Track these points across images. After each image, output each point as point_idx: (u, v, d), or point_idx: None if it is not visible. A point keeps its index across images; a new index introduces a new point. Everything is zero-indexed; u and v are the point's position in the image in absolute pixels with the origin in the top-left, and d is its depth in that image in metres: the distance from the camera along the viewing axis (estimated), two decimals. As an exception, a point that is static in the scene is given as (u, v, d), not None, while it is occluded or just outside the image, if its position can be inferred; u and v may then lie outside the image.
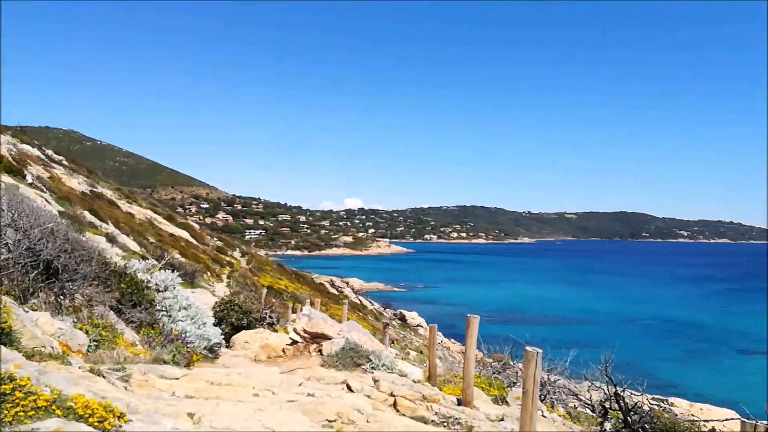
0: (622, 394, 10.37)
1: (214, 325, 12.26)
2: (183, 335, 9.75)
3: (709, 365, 52.28)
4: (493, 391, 10.64)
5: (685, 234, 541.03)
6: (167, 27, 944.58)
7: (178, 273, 12.04)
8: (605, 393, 11.02)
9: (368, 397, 7.52)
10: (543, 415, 9.83)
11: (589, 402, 12.10)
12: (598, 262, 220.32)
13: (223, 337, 12.03)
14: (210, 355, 10.63)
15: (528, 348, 6.46)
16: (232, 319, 14.85)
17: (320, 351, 11.00)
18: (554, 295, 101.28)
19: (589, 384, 12.05)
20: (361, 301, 46.45)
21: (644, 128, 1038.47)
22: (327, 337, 11.41)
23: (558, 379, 12.31)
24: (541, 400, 10.86)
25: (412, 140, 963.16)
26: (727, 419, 10.92)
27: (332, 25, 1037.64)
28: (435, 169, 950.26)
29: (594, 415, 11.54)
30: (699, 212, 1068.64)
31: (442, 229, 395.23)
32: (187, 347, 9.17)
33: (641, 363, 50.28)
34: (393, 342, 22.98)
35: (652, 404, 10.47)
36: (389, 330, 13.17)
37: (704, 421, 11.84)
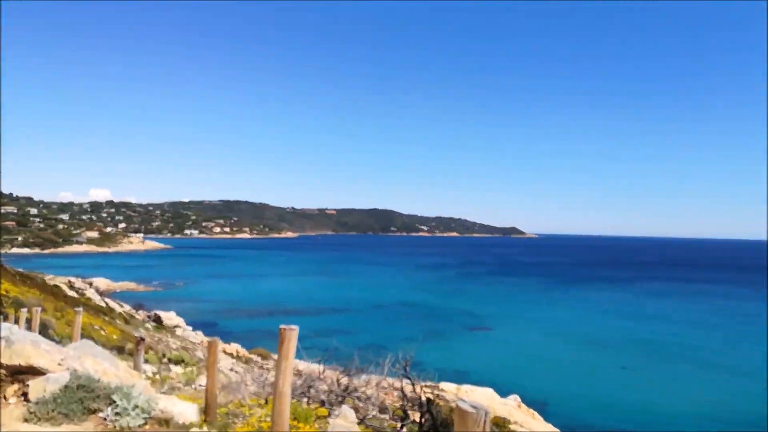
0: (420, 394, 10.00)
1: None
2: None
3: (447, 343, 59.21)
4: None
5: (425, 228, 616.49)
6: None
7: None
8: (401, 393, 10.41)
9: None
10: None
11: (383, 406, 11.00)
12: (352, 254, 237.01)
13: None
14: None
15: (283, 326, 5.67)
16: None
17: (25, 395, 6.83)
18: (313, 287, 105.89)
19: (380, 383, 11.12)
20: (107, 304, 42.08)
21: (391, 134, 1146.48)
22: (38, 372, 7.10)
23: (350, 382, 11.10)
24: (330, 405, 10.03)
25: (170, 129, 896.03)
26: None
27: None
28: (197, 162, 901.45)
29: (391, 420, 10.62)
30: (436, 210, 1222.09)
31: (204, 224, 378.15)
32: None
33: (389, 346, 56.11)
34: (148, 351, 20.42)
35: (426, 392, 10.51)
36: (143, 345, 10.25)
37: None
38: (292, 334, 5.64)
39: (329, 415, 9.12)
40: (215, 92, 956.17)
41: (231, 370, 29.61)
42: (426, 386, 10.28)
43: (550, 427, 23.97)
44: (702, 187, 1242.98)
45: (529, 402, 31.01)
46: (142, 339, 10.49)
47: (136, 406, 6.36)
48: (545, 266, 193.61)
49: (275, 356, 37.21)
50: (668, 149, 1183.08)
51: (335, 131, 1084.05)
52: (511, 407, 26.84)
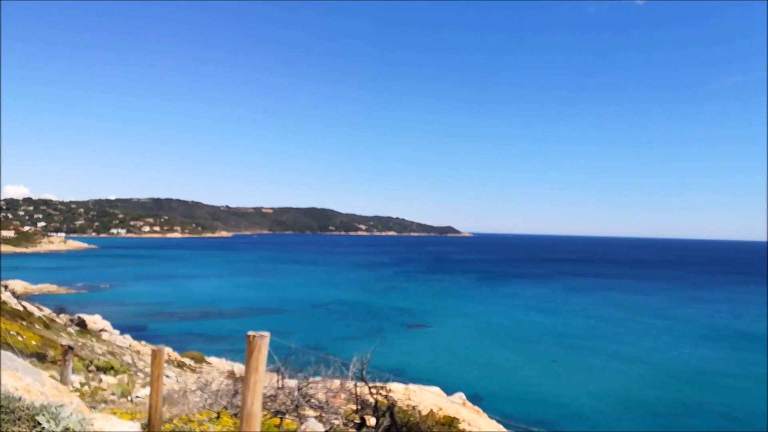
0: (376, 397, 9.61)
1: None
2: None
3: (386, 341, 59.41)
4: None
5: (363, 227, 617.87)
6: None
7: None
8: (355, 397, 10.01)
9: None
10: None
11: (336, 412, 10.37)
12: (289, 254, 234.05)
13: None
14: None
15: (252, 333, 4.62)
16: None
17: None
18: (249, 287, 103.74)
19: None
20: (25, 308, 39.30)
21: (329, 132, 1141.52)
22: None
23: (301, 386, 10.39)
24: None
25: (95, 124, 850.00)
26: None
27: None
28: (124, 158, 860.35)
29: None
30: (374, 209, 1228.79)
31: (132, 223, 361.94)
32: None
33: (328, 346, 55.86)
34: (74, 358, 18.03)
35: (373, 393, 10.17)
36: (71, 355, 9.28)
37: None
38: (263, 342, 4.54)
39: (297, 429, 8.71)
40: (143, 86, 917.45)
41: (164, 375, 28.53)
42: (374, 387, 10.08)
43: (494, 423, 24.50)
44: (628, 184, 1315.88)
45: (471, 399, 31.75)
46: (70, 348, 9.45)
47: (67, 429, 5.11)
48: (476, 263, 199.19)
49: (210, 359, 36.09)
50: (606, 148, 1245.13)
51: (271, 128, 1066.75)
52: (457, 405, 27.24)
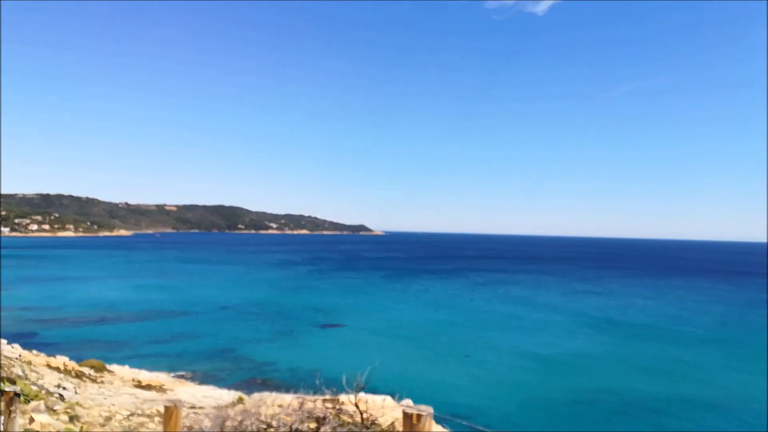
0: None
1: None
2: None
3: (300, 342, 58.28)
4: None
5: (275, 226, 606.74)
6: None
7: None
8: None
9: None
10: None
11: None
12: (195, 253, 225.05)
13: None
14: None
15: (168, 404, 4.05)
16: None
17: None
18: (152, 289, 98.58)
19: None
20: None
21: (236, 128, 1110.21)
22: None
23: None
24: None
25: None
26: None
27: None
28: (8, 149, 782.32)
29: None
30: (285, 207, 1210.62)
31: (17, 221, 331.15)
32: None
33: (238, 348, 54.37)
34: None
35: (328, 408, 9.61)
36: (17, 404, 7.39)
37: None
38: (178, 413, 3.59)
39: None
40: (33, 67, 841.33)
41: (59, 386, 26.45)
42: (326, 400, 9.77)
43: (440, 428, 24.76)
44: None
45: (395, 398, 32.16)
46: (17, 395, 7.04)
47: None
48: (387, 261, 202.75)
49: (112, 367, 34.17)
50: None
51: (176, 122, 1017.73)
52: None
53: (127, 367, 36.85)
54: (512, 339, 61.20)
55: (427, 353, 53.66)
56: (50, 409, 9.39)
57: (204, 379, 41.68)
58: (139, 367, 40.40)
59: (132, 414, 9.21)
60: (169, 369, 43.61)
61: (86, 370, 31.89)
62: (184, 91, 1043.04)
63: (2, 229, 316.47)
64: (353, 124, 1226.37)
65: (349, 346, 55.98)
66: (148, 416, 10.17)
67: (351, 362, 48.49)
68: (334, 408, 9.83)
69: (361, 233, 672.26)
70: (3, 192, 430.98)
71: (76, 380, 28.62)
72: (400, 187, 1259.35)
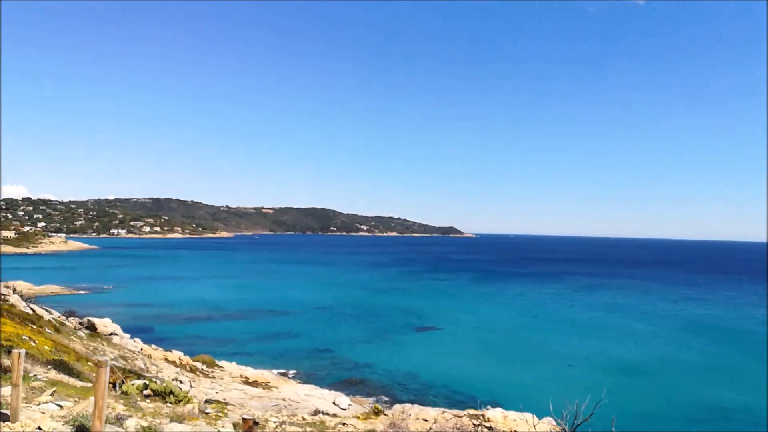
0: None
1: None
2: None
3: (397, 345, 58.06)
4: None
5: (365, 228, 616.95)
6: None
7: None
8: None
9: None
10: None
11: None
12: (291, 254, 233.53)
13: None
14: None
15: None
16: None
17: None
18: (252, 288, 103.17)
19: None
20: (34, 311, 38.78)
21: (330, 132, 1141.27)
22: None
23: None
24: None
25: (92, 123, 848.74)
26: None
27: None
28: (123, 157, 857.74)
29: None
30: (375, 209, 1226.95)
31: (132, 223, 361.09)
32: None
33: (335, 348, 55.26)
34: (125, 379, 13.63)
35: (475, 424, 8.95)
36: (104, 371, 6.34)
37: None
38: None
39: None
40: (140, 85, 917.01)
41: (176, 380, 27.96)
42: (472, 415, 9.21)
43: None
44: (631, 184, 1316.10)
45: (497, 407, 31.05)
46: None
47: None
48: (479, 263, 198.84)
49: (221, 363, 35.53)
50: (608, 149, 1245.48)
51: (272, 128, 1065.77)
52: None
53: (234, 363, 38.47)
54: (619, 350, 57.39)
55: (528, 361, 51.56)
56: (202, 412, 9.47)
57: (305, 377, 42.61)
58: (245, 363, 42.07)
59: (282, 423, 9.02)
60: (272, 366, 45.04)
61: (199, 365, 33.64)
62: (277, 102, 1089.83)
63: (119, 231, 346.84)
64: (445, 126, 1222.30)
65: (446, 351, 55.05)
66: (300, 425, 9.98)
67: (450, 368, 47.59)
68: (481, 424, 9.10)
69: (451, 235, 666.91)
70: (119, 197, 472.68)
71: (190, 374, 30.21)
72: (491, 188, 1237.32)
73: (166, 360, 32.01)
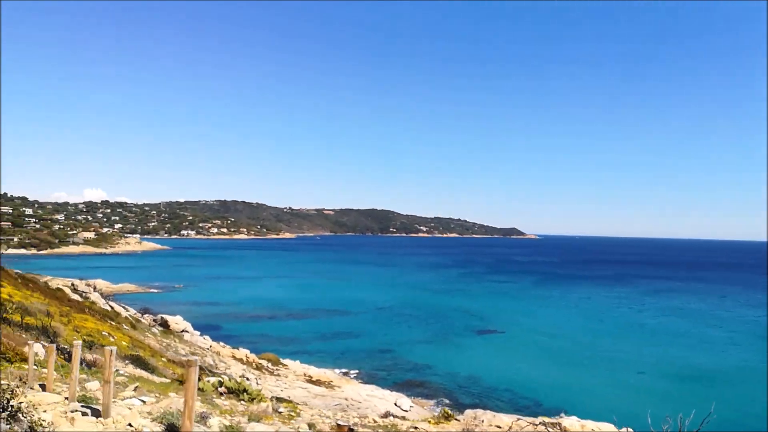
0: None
1: None
2: None
3: (459, 347, 57.49)
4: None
5: (424, 229, 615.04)
6: None
7: None
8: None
9: None
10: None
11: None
12: (351, 255, 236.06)
13: None
14: None
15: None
16: None
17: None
18: (314, 288, 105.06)
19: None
20: (113, 308, 41.21)
21: (389, 134, 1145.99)
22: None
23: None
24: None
25: (164, 129, 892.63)
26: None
27: None
28: (192, 161, 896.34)
29: None
30: (435, 210, 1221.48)
31: (200, 224, 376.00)
32: None
33: (395, 349, 55.38)
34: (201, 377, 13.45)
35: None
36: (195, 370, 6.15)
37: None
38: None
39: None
40: (211, 93, 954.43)
41: (242, 376, 28.87)
42: (547, 424, 8.91)
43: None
44: (703, 189, 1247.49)
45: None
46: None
47: None
48: (540, 265, 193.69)
49: (285, 361, 36.23)
50: (670, 153, 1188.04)
51: (333, 131, 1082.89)
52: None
53: (298, 362, 39.29)
54: (694, 357, 54.37)
55: (594, 367, 49.74)
56: (276, 411, 9.68)
57: (366, 378, 42.92)
58: (308, 362, 42.89)
59: (355, 424, 9.08)
60: (333, 365, 45.67)
61: (264, 362, 34.60)
62: (338, 107, 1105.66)
63: (189, 231, 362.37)
64: (505, 127, 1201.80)
65: (509, 355, 53.97)
66: (372, 427, 9.93)
67: (513, 372, 46.59)
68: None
69: (513, 237, 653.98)
70: (189, 199, 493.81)
71: (256, 372, 31.12)
72: (554, 188, 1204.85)
73: (234, 357, 33.13)
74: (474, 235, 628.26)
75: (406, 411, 28.16)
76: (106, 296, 47.33)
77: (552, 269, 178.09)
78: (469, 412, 9.38)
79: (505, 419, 9.07)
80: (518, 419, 8.28)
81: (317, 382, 32.62)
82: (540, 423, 8.27)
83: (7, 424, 6.87)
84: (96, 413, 8.24)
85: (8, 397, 7.35)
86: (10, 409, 7.24)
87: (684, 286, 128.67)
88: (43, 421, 6.91)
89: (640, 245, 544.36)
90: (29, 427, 6.68)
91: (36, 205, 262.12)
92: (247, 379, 29.02)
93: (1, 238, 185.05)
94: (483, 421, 8.66)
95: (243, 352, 35.32)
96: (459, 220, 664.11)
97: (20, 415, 7.22)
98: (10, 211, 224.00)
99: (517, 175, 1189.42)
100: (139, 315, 41.04)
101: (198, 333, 39.15)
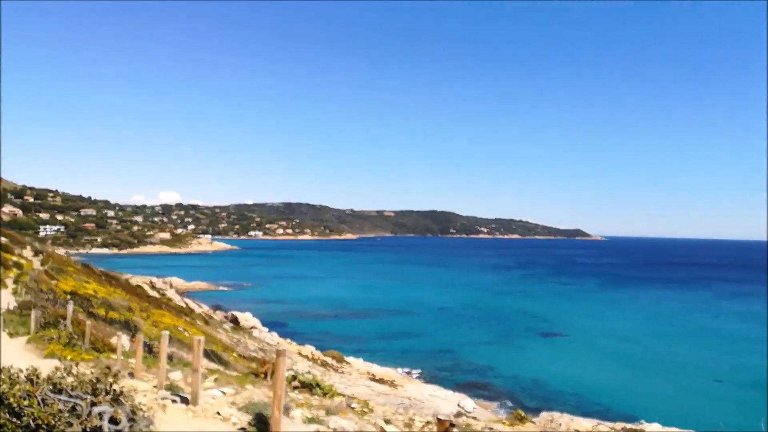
0: None
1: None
2: None
3: (522, 350, 56.48)
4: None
5: (485, 230, 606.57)
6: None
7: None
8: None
9: None
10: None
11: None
12: (412, 256, 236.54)
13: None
14: None
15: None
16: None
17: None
18: (375, 288, 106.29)
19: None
20: (187, 304, 43.67)
21: (449, 135, 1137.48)
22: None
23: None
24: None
25: (233, 134, 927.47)
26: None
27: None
28: (259, 165, 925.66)
29: None
30: (496, 212, 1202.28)
31: (267, 226, 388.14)
32: None
33: (458, 350, 55.34)
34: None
35: None
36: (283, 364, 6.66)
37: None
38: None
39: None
40: (276, 101, 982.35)
41: (308, 373, 29.95)
42: (628, 430, 8.84)
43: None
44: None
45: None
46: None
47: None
48: (608, 267, 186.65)
49: (349, 359, 37.26)
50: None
51: (393, 133, 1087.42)
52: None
53: (361, 360, 40.16)
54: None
55: (666, 373, 47.77)
56: (349, 407, 10.14)
57: (428, 377, 43.23)
58: (370, 360, 43.71)
59: (428, 422, 9.23)
60: (395, 364, 46.28)
61: (329, 359, 35.66)
62: (398, 104, 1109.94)
63: (256, 232, 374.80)
64: (567, 126, 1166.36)
65: (574, 358, 52.69)
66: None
67: (579, 376, 45.51)
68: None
69: (577, 238, 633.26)
70: (256, 201, 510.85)
71: (321, 368, 32.16)
72: (622, 187, 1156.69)
73: (300, 354, 34.37)
74: (536, 237, 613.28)
75: (470, 412, 28.29)
76: (181, 293, 50.10)
77: (619, 271, 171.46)
78: (545, 414, 9.38)
79: (584, 423, 9.03)
80: (598, 423, 8.27)
81: (380, 381, 33.30)
82: (622, 429, 8.14)
83: (110, 407, 7.76)
84: (185, 401, 9.06)
85: (111, 381, 8.29)
86: (113, 392, 8.18)
87: (763, 289, 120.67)
88: (143, 405, 7.72)
89: (713, 247, 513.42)
90: (131, 410, 7.54)
91: (117, 208, 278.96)
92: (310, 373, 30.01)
93: (87, 238, 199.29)
94: (560, 425, 8.67)
95: (309, 349, 36.56)
96: (521, 221, 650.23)
97: (122, 398, 8.11)
98: (94, 213, 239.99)
99: (581, 174, 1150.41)
100: (211, 311, 43.22)
101: (266, 330, 40.79)
